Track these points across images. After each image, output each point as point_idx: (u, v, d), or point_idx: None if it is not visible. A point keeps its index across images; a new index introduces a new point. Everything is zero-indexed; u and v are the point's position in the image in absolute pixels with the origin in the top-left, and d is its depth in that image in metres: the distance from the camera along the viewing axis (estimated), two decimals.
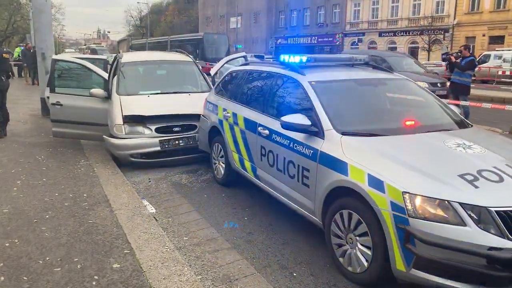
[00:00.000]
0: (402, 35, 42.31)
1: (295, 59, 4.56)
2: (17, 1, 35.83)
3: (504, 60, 25.61)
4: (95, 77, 7.77)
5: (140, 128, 6.41)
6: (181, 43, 39.53)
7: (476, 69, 21.97)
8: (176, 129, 6.50)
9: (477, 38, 36.51)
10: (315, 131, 3.69)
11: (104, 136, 6.61)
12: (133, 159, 6.37)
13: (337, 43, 48.23)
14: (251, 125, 4.71)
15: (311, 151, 3.64)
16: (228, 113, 5.32)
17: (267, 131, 4.35)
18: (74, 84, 7.94)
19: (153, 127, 6.41)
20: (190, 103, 6.85)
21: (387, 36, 43.81)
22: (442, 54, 10.64)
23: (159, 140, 6.36)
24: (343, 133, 3.53)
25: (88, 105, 7.16)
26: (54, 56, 7.44)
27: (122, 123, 6.36)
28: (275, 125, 4.25)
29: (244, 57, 8.31)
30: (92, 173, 5.87)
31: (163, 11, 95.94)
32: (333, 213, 3.39)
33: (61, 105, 7.20)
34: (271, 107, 4.52)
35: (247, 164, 4.88)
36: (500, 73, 22.94)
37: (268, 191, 4.46)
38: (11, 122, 9.42)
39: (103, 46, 57.12)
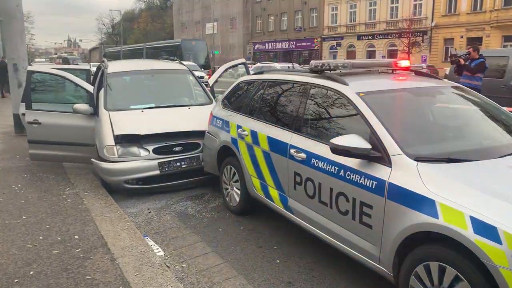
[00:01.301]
0: (380, 38, 42.32)
1: (329, 65, 3.81)
2: None
3: None
4: (77, 91, 6.87)
5: (135, 149, 5.52)
6: (157, 50, 38.46)
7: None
8: (177, 149, 5.64)
9: (455, 40, 36.71)
10: (377, 156, 2.92)
11: (92, 159, 5.70)
12: (127, 185, 5.48)
13: (316, 48, 48.00)
14: (279, 147, 3.92)
15: (375, 183, 2.87)
16: (244, 131, 4.51)
17: (303, 155, 3.56)
18: (54, 99, 7.03)
19: (150, 148, 5.53)
20: (191, 118, 6.01)
21: (365, 39, 43.78)
22: (450, 56, 10.05)
23: (158, 163, 5.49)
24: (418, 159, 2.78)
25: (71, 123, 6.23)
26: (30, 68, 6.48)
27: (113, 144, 5.46)
28: (315, 147, 3.47)
29: (244, 64, 7.55)
30: (81, 205, 4.95)
31: (136, 18, 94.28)
32: (414, 264, 2.63)
33: (39, 123, 6.25)
34: (306, 125, 3.74)
35: (273, 192, 4.08)
36: None
37: (305, 228, 3.66)
38: None
39: (75, 55, 55.20)
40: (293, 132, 3.81)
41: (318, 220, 3.46)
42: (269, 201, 4.17)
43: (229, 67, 7.39)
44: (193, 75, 7.13)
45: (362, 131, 3.10)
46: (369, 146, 2.92)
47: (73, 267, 3.45)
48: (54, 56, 63.74)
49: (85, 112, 6.11)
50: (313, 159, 3.45)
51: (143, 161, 5.45)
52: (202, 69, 24.36)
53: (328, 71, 3.79)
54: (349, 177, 3.09)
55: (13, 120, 9.80)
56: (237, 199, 4.80)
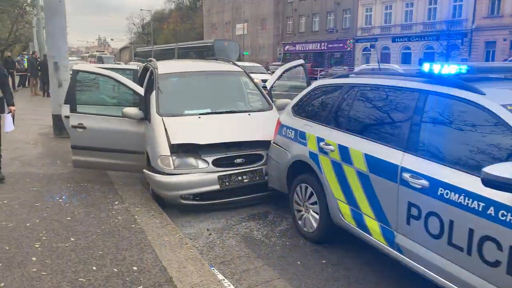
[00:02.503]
0: (416, 40, 40.93)
1: (449, 69, 3.07)
2: (21, 7, 34.40)
3: None
4: (124, 93, 6.32)
5: (192, 161, 4.89)
6: (189, 50, 38.33)
7: None
8: (239, 161, 4.98)
9: (497, 43, 35.08)
10: None
11: (145, 170, 5.10)
12: (184, 201, 4.86)
13: (348, 49, 46.89)
14: (383, 168, 3.19)
15: None
16: (329, 145, 3.81)
17: (425, 182, 2.83)
18: (100, 101, 6.48)
19: (210, 159, 4.89)
20: (253, 125, 5.37)
21: (400, 41, 42.45)
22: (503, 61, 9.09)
23: (218, 176, 4.84)
24: None
25: (119, 128, 5.66)
26: (76, 66, 5.94)
27: (169, 153, 4.85)
28: (444, 174, 2.73)
29: (303, 65, 6.85)
30: (134, 224, 4.34)
31: (166, 18, 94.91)
32: None
33: (84, 128, 5.71)
34: (425, 143, 3.00)
35: (372, 223, 3.35)
36: None
37: (422, 273, 2.92)
38: (19, 145, 7.96)
39: (107, 54, 55.54)
40: (405, 152, 3.07)
41: (445, 267, 2.72)
42: (364, 233, 3.44)
43: (288, 69, 6.71)
44: (250, 77, 6.47)
45: None
46: None
47: None
48: (85, 55, 64.50)
49: (135, 116, 5.54)
50: (441, 189, 2.71)
51: (202, 174, 4.81)
52: (269, 72, 23.01)
53: (452, 76, 3.04)
54: (504, 218, 2.34)
55: (51, 121, 9.37)
56: (314, 224, 4.09)
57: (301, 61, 6.95)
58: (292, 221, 4.56)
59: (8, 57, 19.94)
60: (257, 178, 5.01)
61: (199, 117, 5.38)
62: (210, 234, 4.43)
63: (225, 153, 4.95)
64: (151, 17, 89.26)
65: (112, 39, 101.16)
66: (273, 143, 4.81)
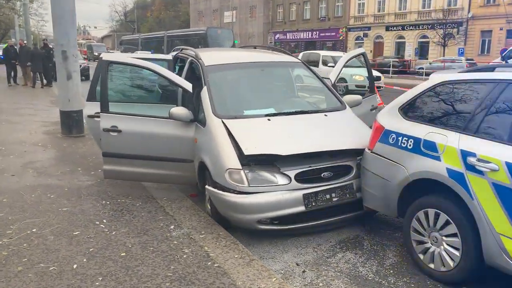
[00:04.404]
0: (411, 29, 40.33)
1: None
2: None
3: None
4: (163, 87, 5.32)
5: (269, 175, 3.90)
6: (180, 38, 36.73)
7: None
8: (326, 174, 4.01)
9: (493, 32, 34.76)
10: None
11: (208, 187, 4.10)
12: (261, 226, 3.88)
13: (341, 38, 46.05)
14: None
15: None
16: (487, 161, 2.87)
17: None
18: (133, 98, 5.46)
19: (292, 173, 3.91)
20: (335, 129, 4.42)
21: (394, 30, 41.78)
22: (502, 51, 8.36)
23: (303, 195, 3.87)
24: None
25: (163, 132, 4.65)
26: (106, 56, 4.84)
27: (239, 166, 3.86)
28: None
29: (363, 54, 5.93)
30: (209, 261, 3.36)
31: (149, 6, 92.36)
32: None
33: (119, 131, 4.67)
34: None
35: None
36: None
37: None
38: (26, 147, 6.84)
39: (93, 42, 53.24)
40: None
41: None
42: None
43: (349, 59, 5.76)
44: (310, 69, 5.48)
45: None
46: None
47: None
48: None
49: (185, 118, 4.53)
50: None
51: (284, 193, 3.83)
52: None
53: None
54: None
55: (54, 117, 8.27)
56: (451, 263, 3.16)
57: (362, 50, 6.01)
58: (406, 252, 3.65)
59: (11, 46, 18.15)
60: (347, 195, 4.05)
61: (268, 119, 4.38)
62: (304, 272, 3.48)
63: (309, 165, 3.98)
64: (133, 4, 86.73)
65: (95, 27, 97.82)
66: (372, 152, 3.86)
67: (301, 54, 21.28)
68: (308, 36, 49.54)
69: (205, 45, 30.12)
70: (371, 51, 41.62)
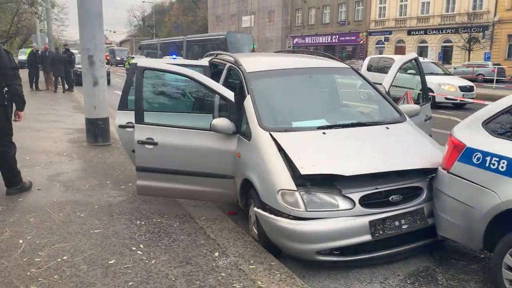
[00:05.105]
0: (434, 34, 39.48)
1: None
2: None
3: None
4: (196, 96, 4.92)
5: (328, 198, 3.41)
6: (199, 43, 36.66)
7: None
8: (394, 197, 3.50)
9: None
10: None
11: (258, 210, 3.61)
12: (321, 257, 3.38)
13: (361, 43, 45.37)
14: None
15: None
16: None
17: None
18: (166, 107, 5.05)
19: (356, 196, 3.40)
20: (402, 145, 3.90)
21: (416, 34, 40.97)
22: None
23: (370, 222, 3.37)
24: None
25: (202, 145, 4.19)
26: (141, 62, 4.42)
27: (294, 187, 3.37)
28: None
29: (416, 59, 5.43)
30: None
31: (167, 11, 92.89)
32: None
33: (155, 143, 4.24)
34: None
35: None
36: None
37: None
38: (52, 157, 6.48)
39: (114, 46, 53.49)
40: None
41: None
42: None
43: (403, 64, 5.26)
44: (362, 75, 4.97)
45: None
46: None
47: None
48: None
49: (227, 130, 4.07)
50: None
51: (348, 219, 3.33)
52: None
53: None
54: None
55: (77, 124, 7.91)
56: None
57: (414, 55, 5.50)
58: None
59: (36, 51, 18.02)
60: (418, 222, 3.52)
61: (323, 133, 3.89)
62: None
63: (375, 186, 3.47)
64: (152, 9, 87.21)
65: (114, 32, 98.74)
66: (450, 173, 3.34)
67: (367, 59, 17.49)
68: (327, 40, 48.99)
69: (224, 50, 29.86)
70: None
